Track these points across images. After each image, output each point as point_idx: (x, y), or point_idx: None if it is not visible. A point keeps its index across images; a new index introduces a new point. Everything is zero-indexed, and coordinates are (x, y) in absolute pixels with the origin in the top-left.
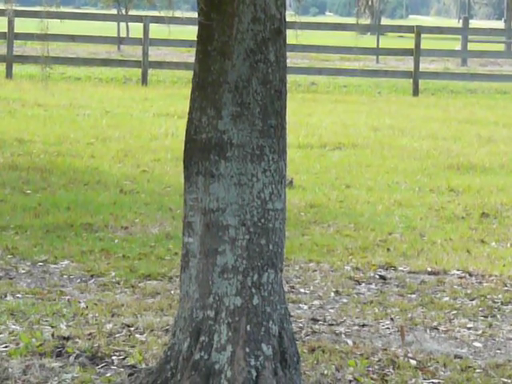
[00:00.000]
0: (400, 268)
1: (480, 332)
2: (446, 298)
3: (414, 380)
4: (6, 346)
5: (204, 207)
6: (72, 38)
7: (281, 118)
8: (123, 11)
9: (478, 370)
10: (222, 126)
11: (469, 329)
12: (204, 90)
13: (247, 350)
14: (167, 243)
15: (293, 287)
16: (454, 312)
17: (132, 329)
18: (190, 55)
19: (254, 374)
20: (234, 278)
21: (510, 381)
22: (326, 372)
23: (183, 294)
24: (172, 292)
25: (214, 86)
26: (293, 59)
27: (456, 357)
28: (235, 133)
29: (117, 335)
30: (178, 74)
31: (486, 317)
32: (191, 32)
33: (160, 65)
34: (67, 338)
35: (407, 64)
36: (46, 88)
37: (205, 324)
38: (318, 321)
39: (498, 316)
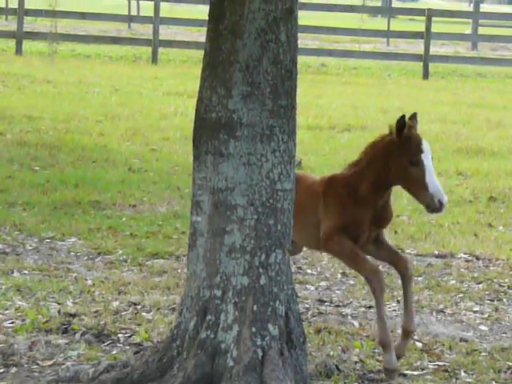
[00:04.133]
0: (407, 251)
1: (486, 315)
2: (453, 282)
3: (419, 362)
4: (12, 322)
5: (213, 186)
6: (82, 16)
7: (291, 99)
8: None
9: (483, 354)
10: (232, 106)
11: (475, 312)
12: (214, 69)
13: (253, 329)
14: (175, 222)
15: (300, 268)
16: (461, 295)
17: (138, 307)
18: (200, 34)
19: (260, 353)
20: (242, 257)
21: None
22: (331, 353)
23: (190, 273)
24: (179, 271)
25: (224, 65)
26: (303, 40)
27: (462, 340)
28: (245, 112)
29: (123, 313)
30: (188, 53)
31: (492, 300)
32: (201, 12)
33: (170, 43)
34: (73, 315)
35: (418, 47)
36: (52, 63)
37: (212, 303)
38: (325, 302)
39: (505, 300)
